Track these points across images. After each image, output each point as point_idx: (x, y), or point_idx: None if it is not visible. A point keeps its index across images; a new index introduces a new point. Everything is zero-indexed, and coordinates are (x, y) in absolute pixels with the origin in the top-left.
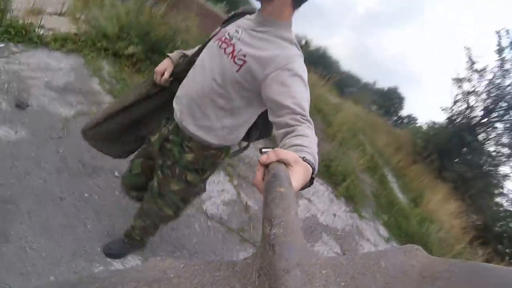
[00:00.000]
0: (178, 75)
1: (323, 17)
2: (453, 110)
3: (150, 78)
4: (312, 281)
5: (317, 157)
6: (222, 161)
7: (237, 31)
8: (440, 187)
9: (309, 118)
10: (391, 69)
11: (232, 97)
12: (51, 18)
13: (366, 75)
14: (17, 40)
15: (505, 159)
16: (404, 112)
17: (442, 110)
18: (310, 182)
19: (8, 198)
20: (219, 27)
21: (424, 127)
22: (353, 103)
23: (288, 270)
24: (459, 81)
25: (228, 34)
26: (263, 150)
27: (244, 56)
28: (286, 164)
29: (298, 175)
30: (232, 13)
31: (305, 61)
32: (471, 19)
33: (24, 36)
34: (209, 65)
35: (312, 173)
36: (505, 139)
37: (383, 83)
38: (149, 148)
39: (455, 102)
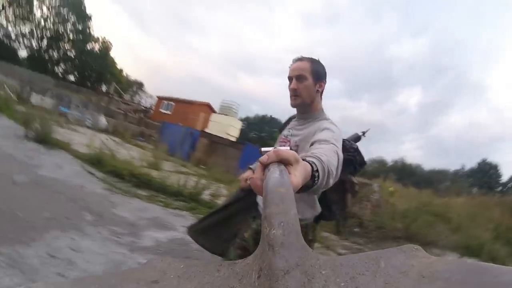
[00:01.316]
0: None
1: (385, 133)
2: None
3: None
4: (312, 282)
5: (323, 160)
6: (314, 240)
7: (289, 131)
8: None
9: (332, 142)
10: (471, 144)
11: None
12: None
13: (450, 163)
14: None
15: None
16: (505, 177)
17: None
18: (312, 181)
19: None
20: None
21: None
22: (455, 196)
23: (287, 271)
24: None
25: (285, 135)
26: (263, 150)
27: (296, 142)
28: (287, 163)
29: (298, 173)
30: (284, 122)
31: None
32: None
33: None
34: None
35: (316, 175)
36: None
37: (471, 162)
38: (244, 243)
39: None
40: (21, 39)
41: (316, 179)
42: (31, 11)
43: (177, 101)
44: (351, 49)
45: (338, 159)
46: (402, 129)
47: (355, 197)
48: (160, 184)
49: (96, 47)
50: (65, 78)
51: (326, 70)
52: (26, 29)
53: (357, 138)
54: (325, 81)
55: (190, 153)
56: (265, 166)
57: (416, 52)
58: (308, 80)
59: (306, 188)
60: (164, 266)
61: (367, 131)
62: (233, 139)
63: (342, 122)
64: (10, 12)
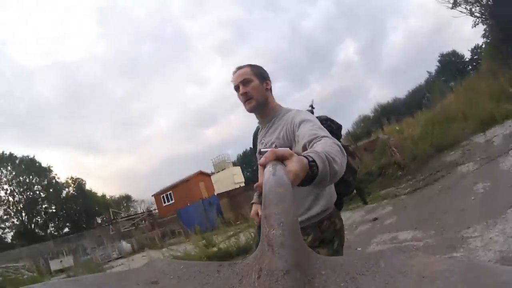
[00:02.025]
0: None
1: (349, 94)
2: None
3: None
4: (312, 282)
5: (318, 150)
6: (342, 226)
7: (262, 143)
8: None
9: (323, 134)
10: (421, 50)
11: None
12: None
13: (416, 78)
14: None
15: None
16: (467, 55)
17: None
18: (312, 171)
19: None
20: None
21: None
22: (444, 99)
23: (287, 271)
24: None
25: (262, 150)
26: (262, 150)
27: (274, 145)
28: (283, 159)
29: (294, 163)
30: (252, 141)
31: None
32: None
33: None
34: None
35: (313, 164)
36: None
37: (432, 63)
38: None
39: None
40: (1, 224)
41: (315, 168)
42: None
43: (173, 187)
44: (274, 49)
45: (339, 147)
46: (359, 80)
47: (355, 157)
48: (237, 248)
49: (70, 190)
50: (60, 234)
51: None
52: (0, 212)
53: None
54: (270, 79)
55: (220, 218)
56: (264, 167)
57: (325, 14)
58: (254, 81)
59: (311, 179)
60: (164, 266)
61: (312, 103)
62: (243, 184)
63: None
64: None
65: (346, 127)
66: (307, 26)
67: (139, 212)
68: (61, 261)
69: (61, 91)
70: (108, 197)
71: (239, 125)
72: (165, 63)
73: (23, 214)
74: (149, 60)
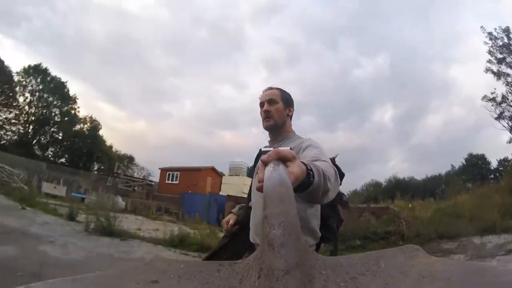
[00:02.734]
0: (242, 222)
1: (369, 154)
2: None
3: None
4: (312, 282)
5: (317, 164)
6: None
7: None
8: None
9: (324, 159)
10: (452, 141)
11: None
12: None
13: (438, 166)
14: None
15: None
16: (493, 163)
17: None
18: (308, 179)
19: None
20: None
21: None
22: (457, 196)
23: (287, 271)
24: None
25: (261, 149)
26: (262, 149)
27: None
28: (286, 160)
29: (296, 166)
30: (256, 157)
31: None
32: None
33: None
34: (259, 195)
35: (310, 173)
36: None
37: (458, 158)
38: None
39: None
40: (6, 126)
41: (311, 178)
42: (14, 98)
43: (183, 170)
44: (317, 84)
45: (334, 170)
46: (384, 146)
47: (346, 208)
48: None
49: (84, 127)
50: (55, 161)
51: (298, 107)
52: (11, 115)
53: None
54: (293, 107)
55: (220, 218)
56: (266, 165)
57: (378, 70)
58: (279, 103)
59: (305, 187)
60: (164, 266)
61: (335, 156)
62: None
63: None
64: None
65: (355, 186)
66: (357, 75)
67: (137, 177)
68: (55, 187)
69: (110, 35)
70: (114, 150)
71: (256, 140)
72: (213, 55)
73: (31, 126)
74: (200, 45)
